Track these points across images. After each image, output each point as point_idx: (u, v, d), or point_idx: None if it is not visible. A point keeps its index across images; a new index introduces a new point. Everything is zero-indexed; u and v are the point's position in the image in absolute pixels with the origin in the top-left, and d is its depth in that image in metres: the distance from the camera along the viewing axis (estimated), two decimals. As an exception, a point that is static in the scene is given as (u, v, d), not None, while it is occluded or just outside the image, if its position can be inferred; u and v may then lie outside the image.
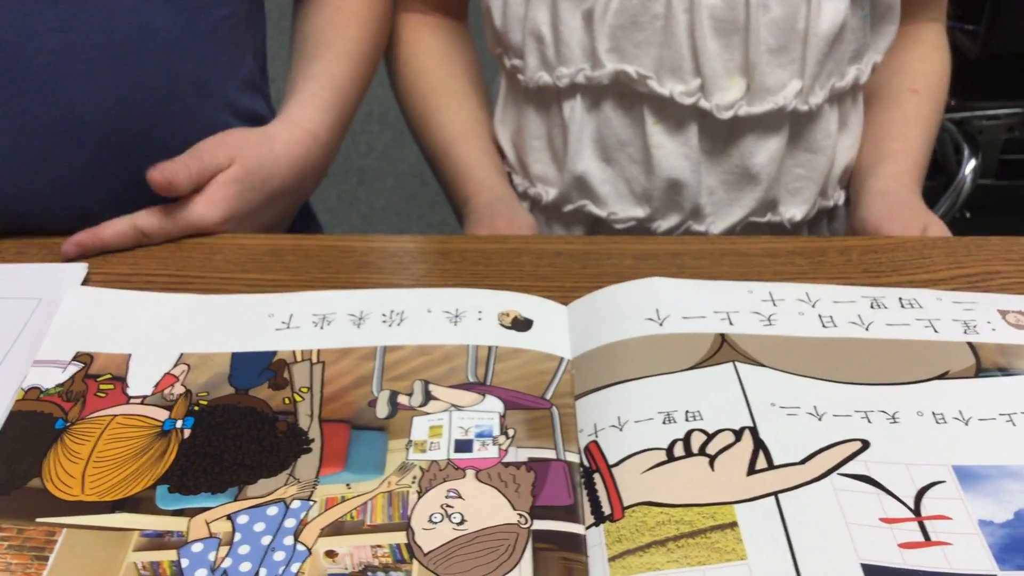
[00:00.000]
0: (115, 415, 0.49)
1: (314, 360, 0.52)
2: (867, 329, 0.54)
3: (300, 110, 0.73)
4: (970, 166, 2.07)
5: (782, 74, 0.71)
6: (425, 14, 0.83)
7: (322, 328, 0.54)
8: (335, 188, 2.40)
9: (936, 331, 0.54)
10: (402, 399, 0.49)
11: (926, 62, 0.82)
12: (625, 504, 0.43)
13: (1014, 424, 0.48)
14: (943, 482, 0.44)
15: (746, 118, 0.71)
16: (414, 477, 0.45)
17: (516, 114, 0.79)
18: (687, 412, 0.47)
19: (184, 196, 0.65)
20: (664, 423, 0.47)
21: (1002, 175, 2.40)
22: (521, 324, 0.54)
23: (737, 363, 0.51)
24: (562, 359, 0.52)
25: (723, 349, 0.52)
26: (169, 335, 0.54)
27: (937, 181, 2.24)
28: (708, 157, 0.73)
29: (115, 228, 0.63)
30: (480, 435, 0.47)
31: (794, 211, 0.77)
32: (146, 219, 0.64)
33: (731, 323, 0.54)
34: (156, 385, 0.51)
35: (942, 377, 0.51)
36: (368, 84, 0.79)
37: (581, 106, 0.73)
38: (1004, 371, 0.52)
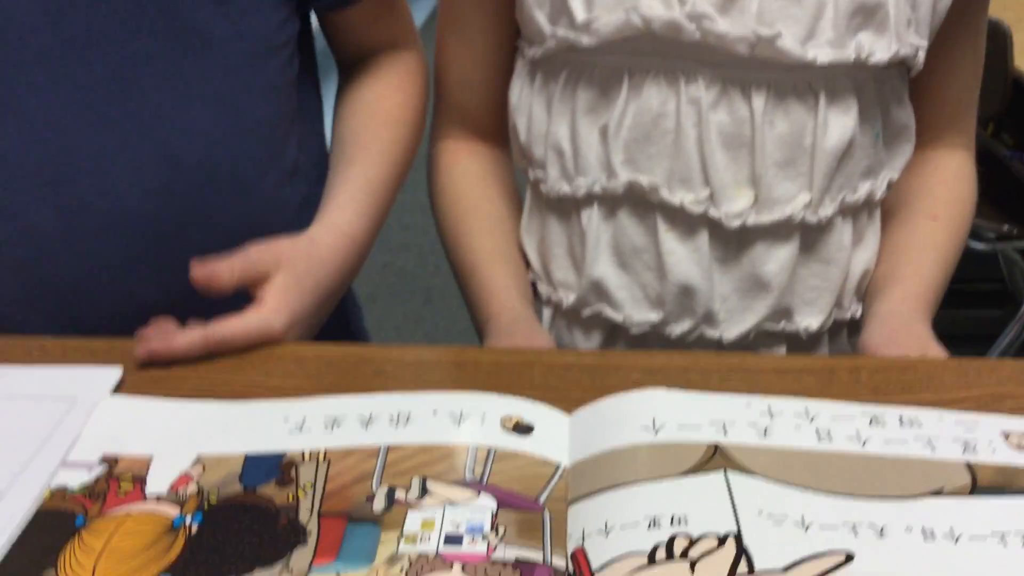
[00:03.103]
0: (131, 512, 0.52)
1: (321, 459, 0.55)
2: (863, 445, 0.55)
3: (340, 214, 0.77)
4: (1037, 295, 2.06)
5: (790, 186, 0.73)
6: (464, 140, 0.87)
7: (332, 430, 0.57)
8: (402, 307, 2.47)
9: (934, 449, 0.54)
10: (399, 494, 0.51)
11: (948, 189, 0.83)
12: (605, 608, 0.44)
13: (1005, 544, 0.48)
14: (927, 597, 0.44)
15: (755, 227, 0.74)
16: (402, 568, 0.47)
17: (540, 223, 0.83)
18: (673, 517, 0.48)
19: (245, 306, 0.68)
20: (649, 528, 0.48)
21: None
22: (522, 429, 0.56)
23: (728, 471, 0.52)
24: (559, 465, 0.54)
25: (715, 458, 0.53)
26: (189, 439, 0.57)
27: (1007, 310, 2.22)
28: (719, 264, 0.75)
29: (186, 339, 0.66)
30: (471, 530, 0.49)
31: (809, 320, 0.78)
32: (216, 331, 0.66)
33: (725, 433, 0.55)
34: (172, 485, 0.54)
35: (936, 494, 0.51)
36: (401, 184, 0.84)
37: (598, 214, 0.77)
38: (1000, 491, 0.52)
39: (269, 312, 0.68)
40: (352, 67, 0.89)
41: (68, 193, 0.71)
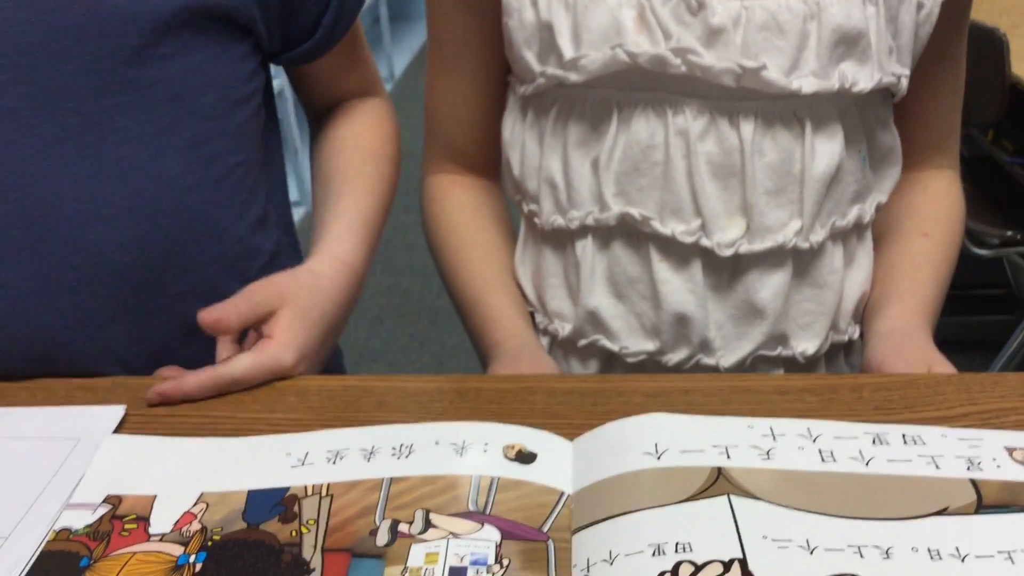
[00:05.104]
0: (135, 552, 0.52)
1: (323, 494, 0.55)
2: (867, 464, 0.55)
3: (338, 244, 0.79)
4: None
5: (781, 214, 0.74)
6: (456, 173, 0.88)
7: (334, 463, 0.57)
8: (408, 328, 2.47)
9: (938, 467, 0.54)
10: (403, 527, 0.51)
11: (937, 208, 0.84)
12: (611, 637, 0.44)
13: (1013, 562, 0.48)
14: (935, 617, 0.44)
15: (748, 255, 0.74)
16: (405, 604, 0.47)
17: (535, 255, 0.83)
18: (677, 544, 0.48)
19: (255, 342, 0.69)
20: (654, 555, 0.48)
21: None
22: (525, 457, 0.56)
23: (731, 496, 0.52)
24: (562, 493, 0.54)
25: (718, 482, 0.53)
26: (192, 477, 0.57)
27: (1015, 315, 2.21)
28: (713, 292, 0.76)
29: (197, 380, 0.66)
30: (475, 563, 0.49)
31: (806, 345, 0.78)
32: (227, 371, 0.66)
33: (728, 457, 0.55)
34: (176, 523, 0.54)
35: (941, 513, 0.51)
36: (387, 215, 0.86)
37: (592, 245, 0.77)
38: (1006, 508, 0.51)
39: (278, 347, 0.68)
40: (323, 114, 0.90)
41: (42, 250, 0.69)
